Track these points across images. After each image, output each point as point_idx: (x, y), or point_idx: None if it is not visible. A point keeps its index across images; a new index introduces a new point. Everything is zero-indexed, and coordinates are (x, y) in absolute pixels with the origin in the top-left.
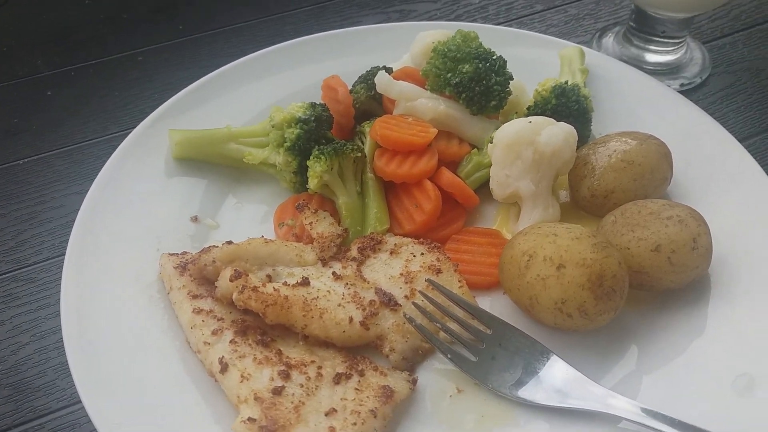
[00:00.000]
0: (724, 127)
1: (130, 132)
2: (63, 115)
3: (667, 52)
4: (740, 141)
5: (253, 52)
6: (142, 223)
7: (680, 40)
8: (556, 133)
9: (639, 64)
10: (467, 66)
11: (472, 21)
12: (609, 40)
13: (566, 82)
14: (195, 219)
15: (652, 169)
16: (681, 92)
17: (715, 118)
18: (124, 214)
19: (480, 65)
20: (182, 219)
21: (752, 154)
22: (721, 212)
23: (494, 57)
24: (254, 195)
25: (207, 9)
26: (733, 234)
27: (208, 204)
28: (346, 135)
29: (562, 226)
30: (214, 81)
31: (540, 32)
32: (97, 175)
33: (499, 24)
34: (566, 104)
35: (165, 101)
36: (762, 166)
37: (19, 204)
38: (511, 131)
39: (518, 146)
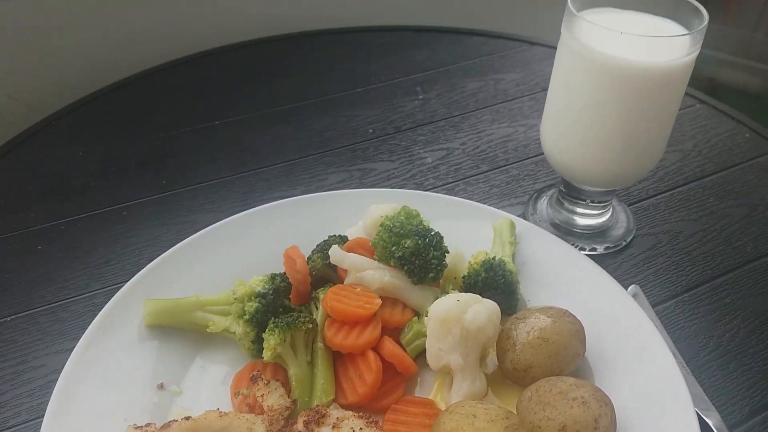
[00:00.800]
0: (643, 290)
1: (110, 289)
2: (51, 269)
3: (595, 216)
4: (658, 305)
5: (230, 206)
6: (113, 394)
7: (605, 205)
8: (480, 311)
9: (570, 228)
10: (409, 241)
11: (424, 179)
12: (543, 202)
13: (494, 258)
14: (161, 386)
15: (565, 347)
16: (607, 254)
17: (636, 282)
18: (98, 386)
19: (419, 242)
20: (149, 387)
21: (667, 317)
22: (626, 387)
23: (432, 233)
24: (218, 357)
25: (190, 163)
26: (637, 406)
27: (175, 369)
28: (304, 299)
29: (481, 407)
30: (185, 250)
31: (484, 191)
32: (77, 334)
33: (447, 184)
34: (494, 278)
35: (144, 257)
36: (675, 330)
37: (4, 363)
38: (442, 309)
39: (448, 323)
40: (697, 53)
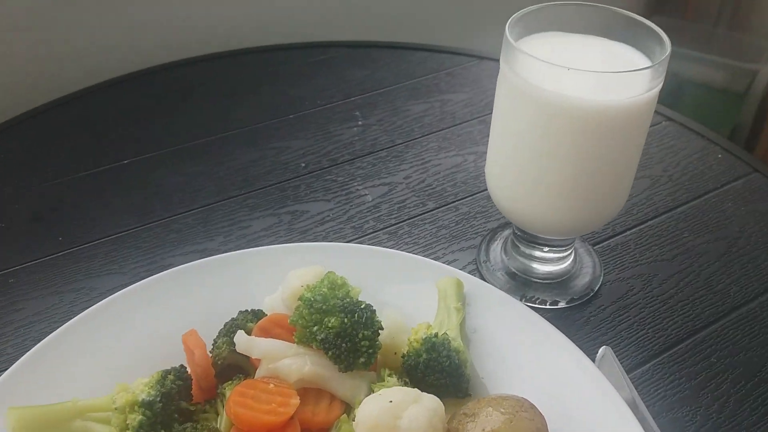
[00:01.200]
0: (616, 351)
1: None
2: None
3: (555, 261)
4: (632, 370)
5: (133, 265)
6: None
7: (567, 248)
8: (419, 414)
9: (528, 277)
10: (333, 320)
11: (364, 221)
12: (497, 247)
13: (436, 335)
14: None
15: None
16: (572, 307)
17: (607, 341)
18: None
19: (346, 320)
20: None
21: (644, 386)
22: None
23: (362, 307)
24: None
25: (90, 213)
26: None
27: None
28: (208, 394)
29: None
30: (60, 341)
31: (431, 233)
32: None
33: (390, 226)
34: (437, 359)
35: (31, 336)
36: (654, 402)
37: None
38: (372, 414)
39: (381, 430)
40: (660, 86)
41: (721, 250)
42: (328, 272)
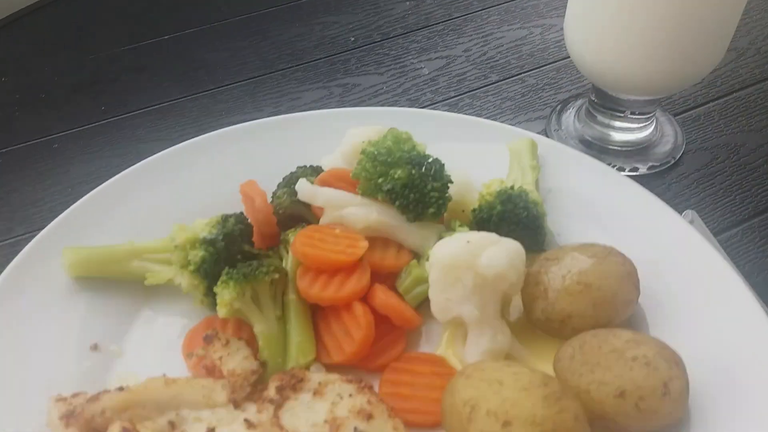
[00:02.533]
0: (701, 216)
1: (37, 233)
2: None
3: (635, 130)
4: (719, 234)
5: (178, 134)
6: (31, 361)
7: (648, 116)
8: (498, 254)
9: (604, 145)
10: (399, 171)
11: (420, 94)
12: (570, 116)
13: (512, 187)
14: (95, 347)
15: (614, 293)
16: (652, 174)
17: (690, 207)
18: (10, 346)
19: (413, 171)
20: (80, 348)
21: (732, 250)
22: (698, 338)
23: (430, 160)
24: (167, 309)
25: (132, 87)
26: (713, 364)
27: (112, 325)
28: (271, 242)
29: (508, 371)
30: (116, 185)
31: (495, 105)
32: None
33: (450, 98)
34: (513, 211)
35: (80, 196)
36: (743, 264)
37: None
38: (448, 253)
39: (456, 270)
40: None
41: None
42: (391, 128)
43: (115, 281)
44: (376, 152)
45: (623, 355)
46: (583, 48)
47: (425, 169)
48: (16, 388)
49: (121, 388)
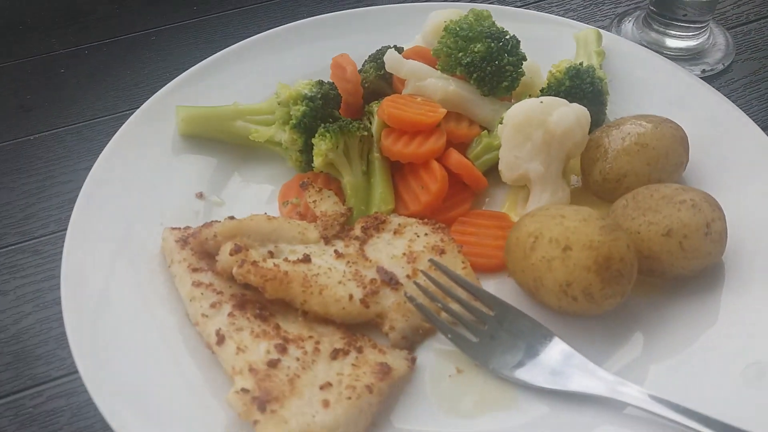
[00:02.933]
0: (747, 114)
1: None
2: (75, 92)
3: (689, 38)
4: (763, 129)
5: (270, 26)
6: (146, 198)
7: (703, 25)
8: (568, 113)
9: (659, 50)
10: (479, 45)
11: (490, 4)
12: (628, 24)
13: (581, 64)
14: (200, 195)
15: (666, 153)
16: (703, 78)
17: (737, 105)
18: (128, 188)
19: (492, 45)
20: (187, 195)
21: None
22: (739, 200)
23: (507, 36)
24: (260, 174)
25: None
26: (750, 223)
27: (214, 182)
28: (355, 114)
29: (570, 208)
30: (223, 59)
31: (558, 15)
32: None
33: (516, 6)
34: (580, 86)
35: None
36: None
37: (29, 178)
38: (521, 111)
39: (528, 127)
40: None
41: None
42: (472, 8)
43: (216, 142)
44: (458, 28)
45: (672, 199)
46: None
47: (503, 44)
48: (130, 219)
49: (231, 217)
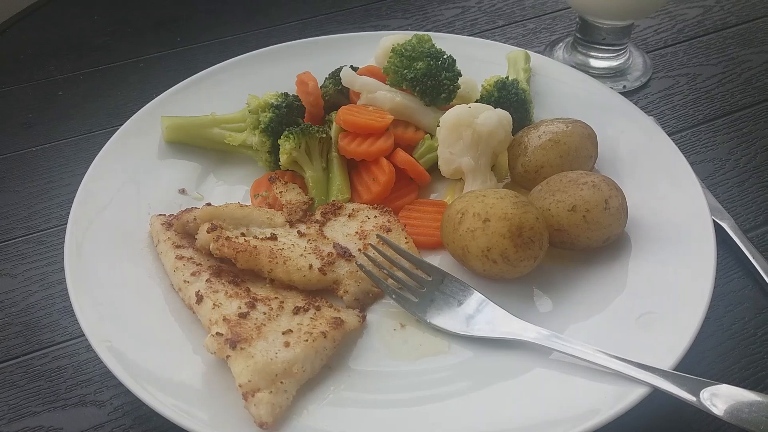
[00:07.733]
0: (659, 123)
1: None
2: (71, 111)
3: (610, 58)
4: (673, 133)
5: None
6: (136, 193)
7: (621, 47)
8: (491, 116)
9: (586, 69)
10: (420, 63)
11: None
12: (559, 49)
13: (507, 78)
14: (183, 191)
15: (576, 147)
16: (623, 92)
17: (653, 115)
18: (121, 185)
19: (432, 63)
20: (171, 191)
21: (683, 145)
22: (641, 185)
23: (444, 56)
24: (235, 175)
25: (203, 23)
26: (650, 203)
27: (195, 179)
28: (316, 123)
29: (490, 190)
30: (202, 78)
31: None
32: None
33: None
34: (507, 96)
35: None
36: (691, 154)
37: (32, 182)
38: (454, 115)
39: (459, 127)
40: None
41: (763, 59)
42: (416, 33)
43: (198, 148)
44: (403, 49)
45: (576, 181)
46: None
47: (441, 62)
48: (125, 205)
49: (208, 204)
